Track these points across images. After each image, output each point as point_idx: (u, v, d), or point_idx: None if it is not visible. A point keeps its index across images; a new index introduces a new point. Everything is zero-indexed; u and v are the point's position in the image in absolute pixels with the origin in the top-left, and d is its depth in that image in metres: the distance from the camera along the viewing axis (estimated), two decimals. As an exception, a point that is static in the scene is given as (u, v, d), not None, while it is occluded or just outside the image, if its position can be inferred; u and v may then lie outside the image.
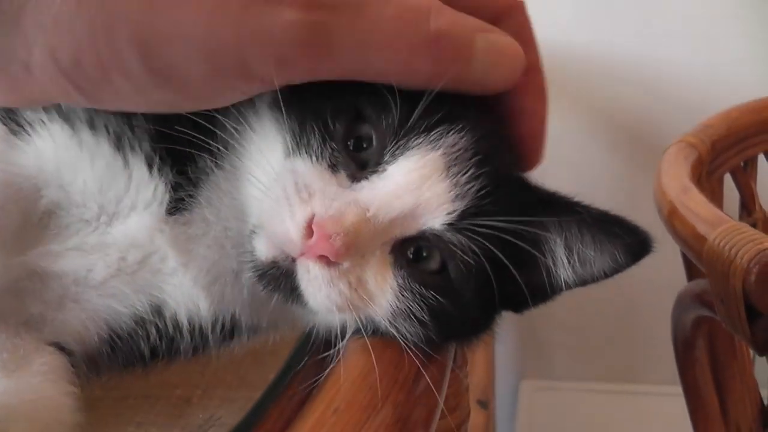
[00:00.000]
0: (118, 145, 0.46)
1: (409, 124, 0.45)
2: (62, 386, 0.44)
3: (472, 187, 0.46)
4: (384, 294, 0.46)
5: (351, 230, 0.43)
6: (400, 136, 0.45)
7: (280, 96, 0.43)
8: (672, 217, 0.82)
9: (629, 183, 1.51)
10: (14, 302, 0.47)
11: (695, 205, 0.80)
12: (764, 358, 0.84)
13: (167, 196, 0.47)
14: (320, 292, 0.44)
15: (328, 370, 0.45)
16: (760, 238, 0.70)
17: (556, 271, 0.49)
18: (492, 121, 0.48)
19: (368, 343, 0.45)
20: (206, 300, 0.48)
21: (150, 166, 0.46)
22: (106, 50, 0.37)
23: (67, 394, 0.44)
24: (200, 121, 0.45)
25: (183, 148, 0.46)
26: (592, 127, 1.58)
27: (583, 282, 0.49)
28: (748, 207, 1.08)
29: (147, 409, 0.53)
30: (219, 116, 0.46)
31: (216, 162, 0.47)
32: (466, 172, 0.46)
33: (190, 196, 0.48)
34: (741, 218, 1.07)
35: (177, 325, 0.49)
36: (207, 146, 0.46)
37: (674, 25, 1.46)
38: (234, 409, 0.51)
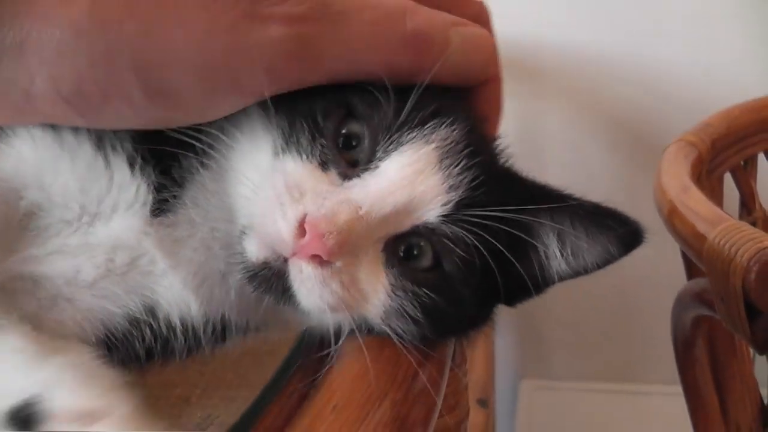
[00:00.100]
0: (99, 144, 0.45)
1: (401, 118, 0.45)
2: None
3: (465, 178, 0.46)
4: (377, 293, 0.45)
5: (344, 229, 0.42)
6: (393, 131, 0.45)
7: (269, 99, 0.43)
8: (672, 216, 0.82)
9: (629, 182, 1.51)
10: (9, 301, 0.46)
11: (695, 203, 0.80)
12: (764, 357, 0.84)
13: (150, 197, 0.46)
14: (313, 292, 0.43)
15: (326, 368, 0.45)
16: (760, 237, 0.70)
17: (548, 263, 0.49)
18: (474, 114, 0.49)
19: (363, 342, 0.45)
20: (196, 301, 0.48)
21: (132, 166, 0.46)
22: (106, 78, 0.39)
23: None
24: None
25: (167, 148, 0.45)
26: (592, 126, 1.58)
27: (575, 273, 0.49)
28: (748, 206, 1.08)
29: (146, 408, 0.53)
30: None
31: (202, 161, 0.47)
32: (458, 164, 0.46)
33: (175, 197, 0.47)
34: (741, 217, 1.07)
35: (170, 326, 0.48)
36: (192, 146, 0.45)
37: (674, 25, 1.46)
38: (233, 409, 0.51)
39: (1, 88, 0.39)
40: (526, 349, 1.80)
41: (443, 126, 0.46)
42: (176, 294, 0.47)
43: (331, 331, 0.46)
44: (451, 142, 0.46)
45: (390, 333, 0.45)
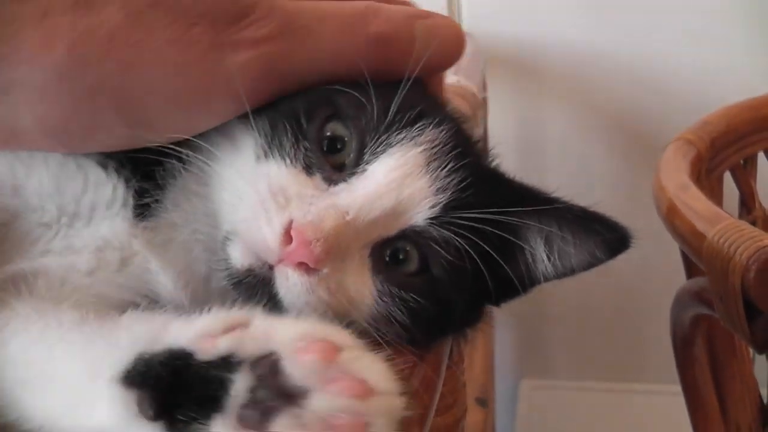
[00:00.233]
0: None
1: (388, 119, 0.44)
2: None
3: (453, 180, 0.45)
4: (364, 299, 0.44)
5: (331, 235, 0.42)
6: (381, 133, 0.45)
7: (249, 111, 0.44)
8: (671, 215, 0.81)
9: (629, 181, 1.51)
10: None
11: (694, 202, 0.80)
12: (764, 356, 0.84)
13: (131, 200, 0.46)
14: (299, 299, 0.42)
15: None
16: (759, 236, 0.70)
17: (534, 265, 0.49)
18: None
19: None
20: (186, 301, 0.47)
21: (104, 167, 0.45)
22: (88, 116, 0.41)
23: None
24: None
25: (145, 156, 0.45)
26: (592, 125, 1.58)
27: (561, 275, 0.49)
28: (747, 205, 1.08)
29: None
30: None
31: (184, 166, 0.46)
32: (446, 166, 0.45)
33: (157, 201, 0.46)
34: (740, 216, 1.07)
35: None
36: (173, 151, 0.45)
37: (674, 23, 1.46)
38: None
39: None
40: (526, 348, 1.80)
41: (430, 127, 0.46)
42: (171, 292, 0.47)
43: None
44: (439, 143, 0.46)
45: (378, 338, 0.44)
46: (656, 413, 1.46)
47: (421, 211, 0.44)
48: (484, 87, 1.26)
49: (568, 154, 1.57)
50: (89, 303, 0.44)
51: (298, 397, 0.32)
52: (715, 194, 1.01)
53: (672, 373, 0.99)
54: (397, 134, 0.45)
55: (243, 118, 0.45)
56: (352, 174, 0.44)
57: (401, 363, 0.43)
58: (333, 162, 0.45)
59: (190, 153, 0.45)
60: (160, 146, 0.44)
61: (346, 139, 0.45)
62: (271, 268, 0.43)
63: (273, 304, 0.43)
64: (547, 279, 0.50)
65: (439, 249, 0.45)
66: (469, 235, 0.44)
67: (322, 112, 0.46)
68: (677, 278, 0.96)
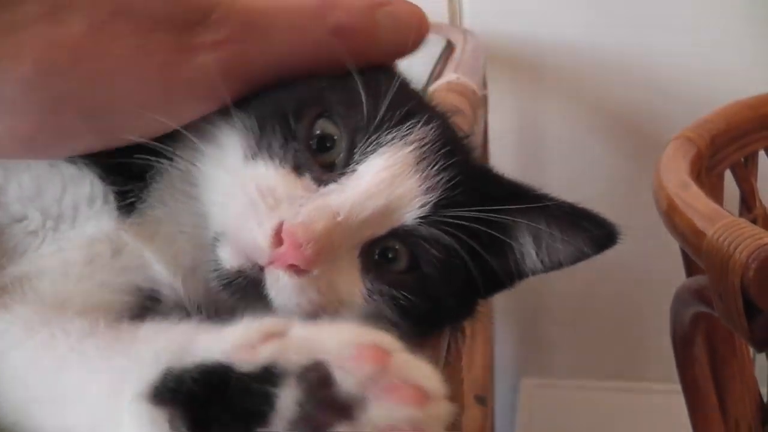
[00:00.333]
0: None
1: (378, 118, 0.44)
2: None
3: (442, 178, 0.45)
4: (354, 297, 0.45)
5: (322, 237, 0.41)
6: (371, 133, 0.44)
7: (231, 106, 0.44)
8: (671, 213, 0.81)
9: (629, 179, 1.51)
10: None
11: (694, 200, 0.80)
12: (764, 354, 0.84)
13: (112, 195, 0.46)
14: (290, 300, 0.42)
15: None
16: (759, 234, 0.69)
17: (523, 260, 0.50)
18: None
19: None
20: (183, 290, 0.47)
21: (74, 163, 0.45)
22: (57, 125, 0.42)
23: None
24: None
25: (125, 160, 0.45)
26: (592, 122, 1.57)
27: (549, 270, 0.50)
28: (748, 203, 1.07)
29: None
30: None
31: (171, 163, 0.46)
32: (435, 165, 0.45)
33: (140, 198, 0.46)
34: (741, 214, 1.07)
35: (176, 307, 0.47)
36: (159, 149, 0.45)
37: (674, 21, 1.45)
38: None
39: None
40: (526, 347, 1.80)
41: (419, 125, 0.46)
42: (168, 279, 0.47)
43: None
44: (428, 141, 0.46)
45: None
46: (656, 412, 1.46)
47: (411, 211, 0.44)
48: (484, 84, 1.26)
49: (568, 151, 1.56)
50: (95, 300, 0.44)
51: (352, 409, 0.30)
52: (715, 192, 1.01)
53: (672, 372, 0.98)
54: (387, 134, 0.44)
55: (230, 117, 0.46)
56: (343, 174, 0.44)
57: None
58: (323, 161, 0.45)
59: (177, 152, 0.45)
60: (146, 143, 0.44)
61: (335, 137, 0.45)
62: (261, 269, 0.43)
63: (263, 303, 0.43)
64: (534, 273, 0.50)
65: (428, 247, 0.45)
66: (458, 233, 0.45)
67: (312, 111, 0.45)
68: (677, 276, 0.96)
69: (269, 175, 0.44)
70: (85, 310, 0.43)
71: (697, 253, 0.76)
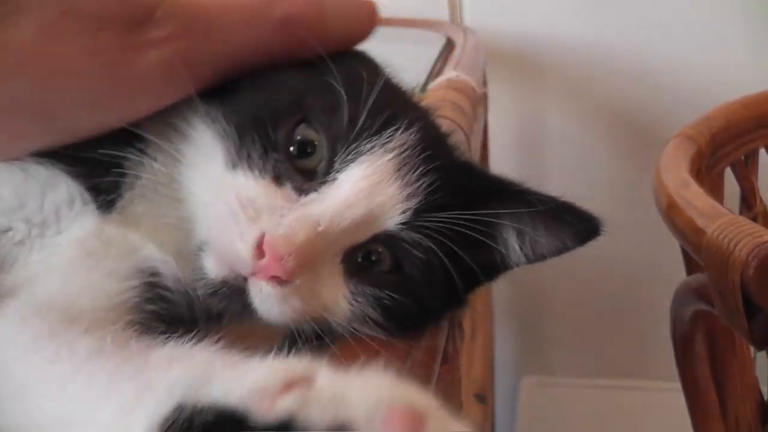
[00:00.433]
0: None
1: (358, 125, 0.44)
2: None
3: (423, 183, 0.45)
4: (338, 302, 0.45)
5: (303, 247, 0.42)
6: (351, 141, 0.44)
7: (202, 106, 0.45)
8: (671, 211, 0.81)
9: (629, 177, 1.50)
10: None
11: (694, 198, 0.80)
12: (764, 353, 0.83)
13: (87, 193, 0.46)
14: (273, 309, 0.43)
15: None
16: (759, 231, 0.69)
17: (507, 254, 0.50)
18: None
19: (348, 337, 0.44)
20: (180, 270, 0.47)
21: (42, 164, 0.45)
22: (8, 128, 0.43)
23: None
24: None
25: (88, 155, 0.45)
26: (592, 120, 1.57)
27: (533, 262, 0.51)
28: (748, 201, 1.07)
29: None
30: (142, 131, 0.46)
31: (146, 157, 0.46)
32: (416, 170, 0.45)
33: (118, 193, 0.47)
34: (741, 212, 1.07)
35: (169, 290, 0.47)
36: (122, 145, 0.45)
37: (675, 20, 1.45)
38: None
39: None
40: (526, 346, 1.80)
41: (400, 131, 0.46)
42: (163, 259, 0.47)
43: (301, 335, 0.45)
44: (409, 147, 0.46)
45: (358, 335, 0.45)
46: (656, 410, 1.46)
47: (392, 217, 0.45)
48: (484, 82, 1.25)
49: (568, 149, 1.56)
50: (105, 293, 0.44)
51: None
52: (716, 190, 1.00)
53: (672, 370, 0.98)
54: (368, 142, 0.44)
55: (209, 125, 0.46)
56: (323, 183, 0.44)
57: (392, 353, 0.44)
58: (303, 167, 0.45)
59: (152, 148, 0.46)
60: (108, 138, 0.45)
61: (316, 143, 0.45)
62: (245, 279, 0.43)
63: (249, 311, 0.43)
64: (518, 266, 0.51)
65: (411, 249, 0.45)
66: (439, 237, 0.45)
67: (292, 119, 0.45)
68: (677, 275, 0.95)
69: (249, 186, 0.44)
70: (93, 313, 0.42)
71: (697, 251, 0.75)
